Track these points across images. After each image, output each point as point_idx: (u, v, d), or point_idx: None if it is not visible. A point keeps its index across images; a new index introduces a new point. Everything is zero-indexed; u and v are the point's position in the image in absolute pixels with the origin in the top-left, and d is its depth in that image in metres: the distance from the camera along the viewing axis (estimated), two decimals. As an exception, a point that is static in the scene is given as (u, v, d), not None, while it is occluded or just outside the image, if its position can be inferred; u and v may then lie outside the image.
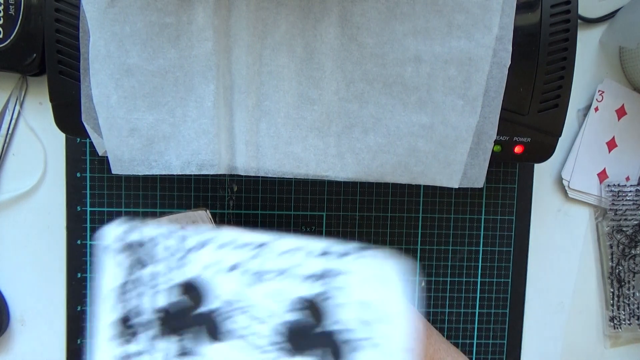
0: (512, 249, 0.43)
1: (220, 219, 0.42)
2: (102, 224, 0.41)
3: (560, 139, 0.36)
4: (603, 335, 0.46)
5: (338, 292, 0.15)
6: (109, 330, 0.15)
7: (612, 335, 0.46)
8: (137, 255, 0.15)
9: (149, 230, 0.15)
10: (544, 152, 0.36)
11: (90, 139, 0.33)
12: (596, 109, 0.43)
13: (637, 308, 0.45)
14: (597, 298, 0.46)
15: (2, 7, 0.37)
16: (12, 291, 0.42)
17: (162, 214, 0.41)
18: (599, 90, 0.43)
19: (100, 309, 0.15)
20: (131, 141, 0.32)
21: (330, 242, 0.15)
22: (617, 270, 0.45)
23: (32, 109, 0.41)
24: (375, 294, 0.15)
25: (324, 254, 0.15)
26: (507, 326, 0.44)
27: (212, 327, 0.15)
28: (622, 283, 0.45)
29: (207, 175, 0.32)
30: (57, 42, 0.32)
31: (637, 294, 0.45)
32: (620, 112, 0.44)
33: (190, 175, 0.32)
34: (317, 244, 0.15)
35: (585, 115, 0.44)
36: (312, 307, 0.15)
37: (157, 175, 0.40)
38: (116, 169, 0.33)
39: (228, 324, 0.15)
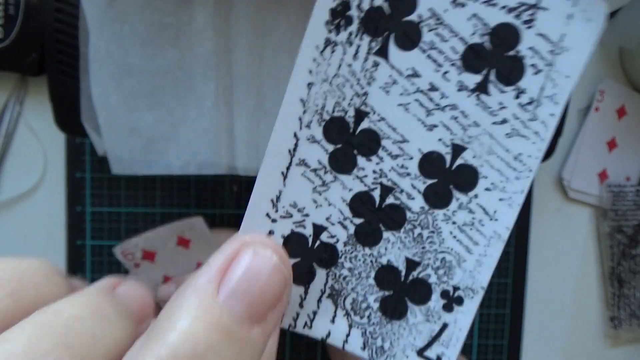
0: (512, 249, 0.43)
1: (220, 219, 0.42)
2: (102, 224, 0.41)
3: (560, 139, 0.36)
4: (603, 335, 0.46)
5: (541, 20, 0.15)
6: (326, 15, 0.15)
7: (612, 335, 0.46)
8: None
9: None
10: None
11: (90, 139, 0.33)
12: (596, 109, 0.43)
13: (638, 308, 0.45)
14: (597, 298, 0.46)
15: (2, 7, 0.37)
16: (12, 291, 0.42)
17: (161, 215, 0.41)
18: (599, 90, 0.43)
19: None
20: (131, 141, 0.32)
21: None
22: (617, 271, 0.45)
23: (32, 109, 0.41)
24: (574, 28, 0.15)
25: None
26: (507, 326, 0.44)
27: (406, 35, 0.16)
28: (623, 283, 0.45)
29: (207, 175, 0.32)
30: (57, 42, 0.32)
31: (638, 294, 0.45)
32: (621, 112, 0.44)
33: (190, 175, 0.32)
34: None
35: (585, 115, 0.44)
36: (510, 30, 0.16)
37: (157, 175, 0.40)
38: (116, 169, 0.33)
39: (422, 36, 0.16)
